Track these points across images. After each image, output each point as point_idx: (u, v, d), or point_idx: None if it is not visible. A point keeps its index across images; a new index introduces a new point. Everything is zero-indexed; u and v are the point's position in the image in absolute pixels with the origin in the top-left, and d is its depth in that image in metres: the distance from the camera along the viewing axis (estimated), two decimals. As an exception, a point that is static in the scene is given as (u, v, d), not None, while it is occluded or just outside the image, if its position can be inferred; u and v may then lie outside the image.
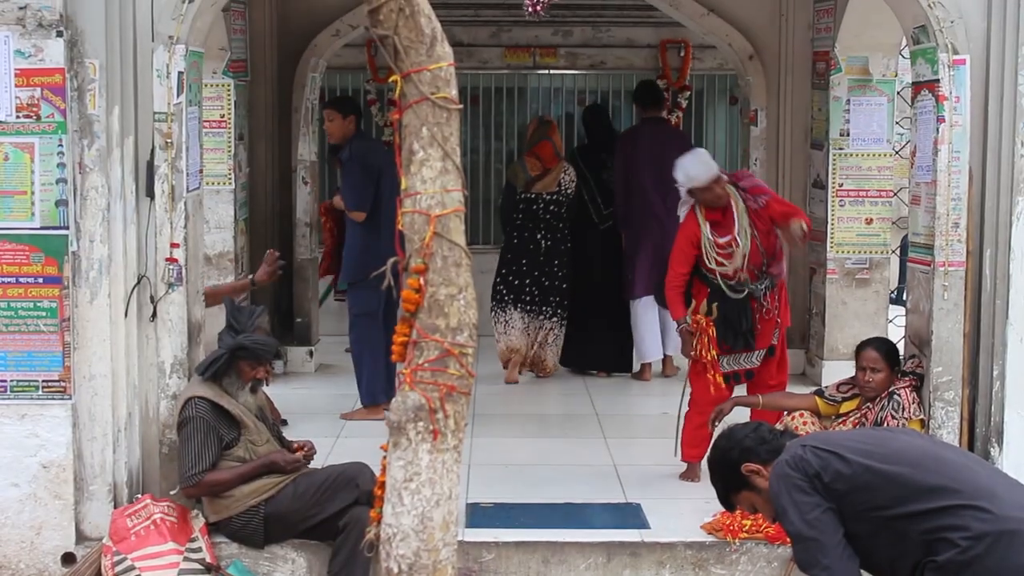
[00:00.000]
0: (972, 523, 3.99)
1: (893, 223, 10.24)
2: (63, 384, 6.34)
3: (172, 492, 6.46)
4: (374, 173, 8.72)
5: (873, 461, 4.17)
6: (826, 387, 7.27)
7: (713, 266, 7.35)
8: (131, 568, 6.14)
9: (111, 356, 6.42)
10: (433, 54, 4.68)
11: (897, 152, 10.07)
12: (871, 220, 9.71)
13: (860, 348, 6.98)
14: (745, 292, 7.38)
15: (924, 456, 4.21)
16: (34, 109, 6.22)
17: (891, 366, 6.85)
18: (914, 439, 4.46)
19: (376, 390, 8.85)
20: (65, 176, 6.25)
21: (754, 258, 7.37)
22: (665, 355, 10.30)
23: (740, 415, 6.87)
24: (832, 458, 4.20)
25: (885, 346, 7.02)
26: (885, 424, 6.62)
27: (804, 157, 10.17)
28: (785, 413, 7.10)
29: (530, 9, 6.85)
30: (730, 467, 4.49)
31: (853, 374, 6.98)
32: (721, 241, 7.34)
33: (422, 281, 4.69)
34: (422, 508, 4.72)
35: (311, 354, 10.47)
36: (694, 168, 7.40)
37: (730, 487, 4.53)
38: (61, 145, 6.24)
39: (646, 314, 10.14)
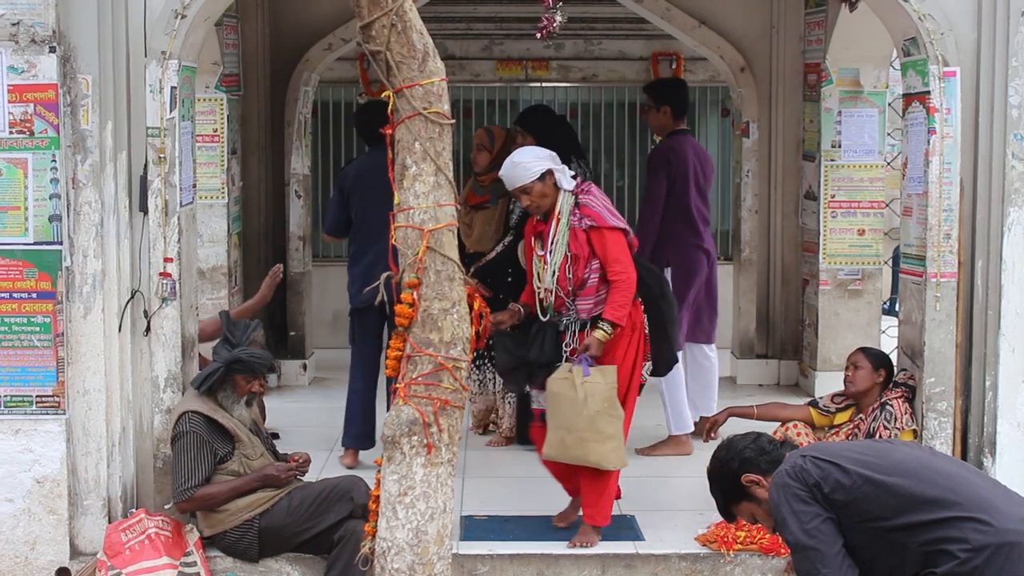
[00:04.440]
0: (971, 535, 4.01)
1: (885, 234, 10.25)
2: (57, 399, 6.35)
3: (166, 506, 6.46)
4: (344, 193, 8.21)
5: (873, 472, 4.18)
6: (820, 398, 7.31)
7: (534, 281, 6.72)
8: (126, 583, 6.15)
9: (105, 371, 6.42)
10: (425, 69, 4.70)
11: (888, 163, 10.10)
12: (863, 231, 9.73)
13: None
14: (549, 319, 6.68)
15: (923, 468, 4.22)
16: (27, 125, 6.22)
17: (874, 366, 6.92)
18: (914, 451, 4.47)
19: (346, 431, 8.16)
20: (58, 191, 6.26)
21: (560, 283, 6.60)
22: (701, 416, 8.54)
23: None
24: (832, 468, 4.21)
25: (873, 350, 7.15)
26: (878, 434, 6.65)
27: (796, 169, 10.19)
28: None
29: (542, 34, 6.83)
30: (730, 478, 4.50)
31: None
32: (540, 253, 6.68)
33: (415, 295, 4.71)
34: (416, 522, 4.74)
35: (305, 367, 10.48)
36: (504, 169, 6.71)
37: (730, 498, 4.54)
38: (54, 160, 6.25)
39: (674, 374, 8.08)
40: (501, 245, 8.36)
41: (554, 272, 6.57)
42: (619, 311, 6.47)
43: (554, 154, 6.77)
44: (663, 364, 6.93)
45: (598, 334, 6.45)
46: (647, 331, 6.74)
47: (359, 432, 8.08)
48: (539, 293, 6.67)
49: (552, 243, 6.58)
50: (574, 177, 6.70)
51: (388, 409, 7.84)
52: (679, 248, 8.53)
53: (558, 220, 6.57)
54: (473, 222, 8.37)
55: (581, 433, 6.44)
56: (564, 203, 6.58)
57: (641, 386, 6.82)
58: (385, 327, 8.05)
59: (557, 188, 6.61)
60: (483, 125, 9.55)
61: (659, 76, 12.42)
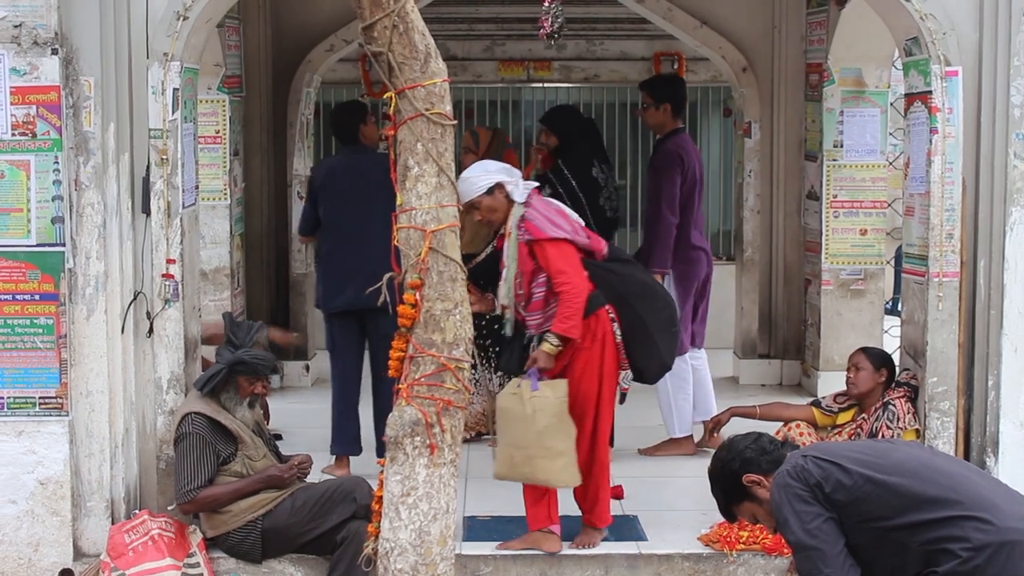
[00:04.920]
0: (973, 534, 4.01)
1: (887, 234, 10.25)
2: (60, 401, 6.35)
3: (170, 508, 6.46)
4: (313, 192, 8.06)
5: (874, 472, 4.18)
6: (823, 398, 7.31)
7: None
8: (129, 584, 6.15)
9: (108, 372, 6.43)
10: (427, 70, 4.71)
11: (891, 163, 10.10)
12: (865, 231, 9.73)
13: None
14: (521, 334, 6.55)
15: (924, 467, 4.22)
16: (30, 127, 6.23)
17: (876, 366, 6.91)
18: (915, 450, 4.48)
19: (335, 439, 8.00)
20: (61, 193, 6.27)
21: (517, 298, 6.49)
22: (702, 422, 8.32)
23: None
24: (833, 468, 4.21)
25: (874, 350, 7.13)
26: (880, 434, 6.65)
27: (798, 169, 10.19)
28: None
29: (542, 34, 6.80)
30: (731, 478, 4.50)
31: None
32: (501, 268, 6.56)
33: (418, 296, 4.72)
34: (419, 522, 4.74)
35: (307, 369, 10.48)
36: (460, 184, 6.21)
37: (731, 498, 4.54)
38: (57, 162, 6.25)
39: (680, 376, 8.17)
40: (491, 247, 8.27)
41: (509, 288, 6.44)
42: (565, 323, 6.24)
43: (507, 167, 6.62)
44: (651, 372, 6.64)
45: (545, 347, 6.26)
46: (622, 338, 6.47)
47: (347, 439, 7.97)
48: (498, 309, 6.55)
49: (506, 258, 6.45)
50: (541, 188, 6.54)
51: (374, 410, 7.90)
52: (685, 249, 8.29)
53: (509, 234, 6.44)
54: (464, 224, 8.25)
55: (529, 450, 6.25)
56: (514, 216, 6.42)
57: (623, 395, 6.65)
58: (367, 333, 7.95)
59: (511, 201, 6.44)
60: (469, 127, 9.53)
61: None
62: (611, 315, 6.45)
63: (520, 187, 6.47)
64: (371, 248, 7.64)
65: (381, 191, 7.79)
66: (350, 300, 7.63)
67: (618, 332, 6.46)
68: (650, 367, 6.59)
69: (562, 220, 6.45)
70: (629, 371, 6.57)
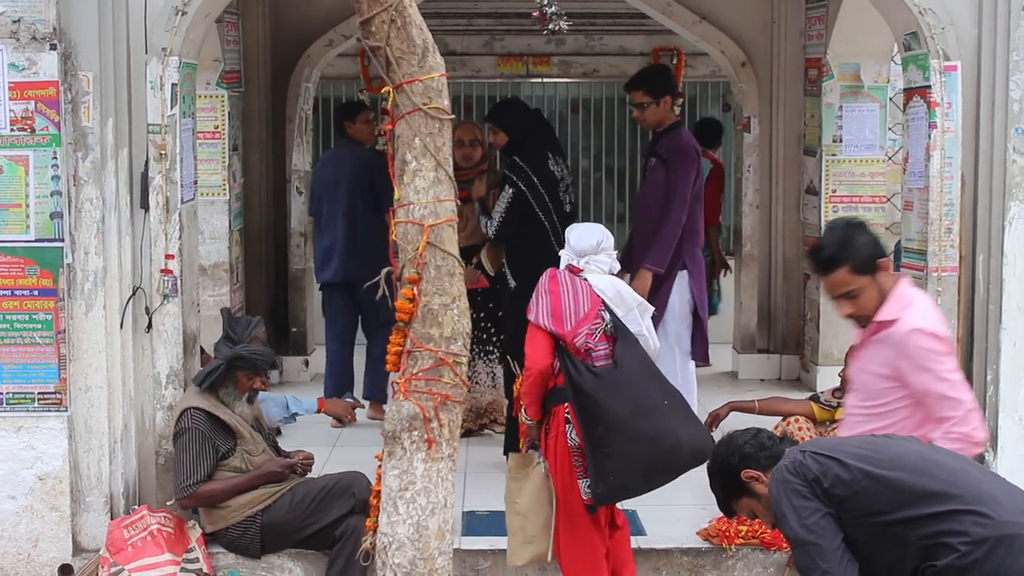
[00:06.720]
0: (972, 528, 4.01)
1: (886, 228, 10.24)
2: (59, 396, 6.35)
3: (169, 503, 6.47)
4: (317, 180, 9.46)
5: (872, 467, 4.18)
6: (822, 392, 7.33)
7: None
8: (128, 579, 6.15)
9: (107, 368, 6.43)
10: (425, 65, 4.70)
11: (890, 158, 10.09)
12: (864, 226, 9.71)
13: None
14: None
15: (923, 461, 4.22)
16: (28, 122, 6.23)
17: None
18: (913, 445, 4.47)
19: (327, 385, 9.21)
20: (60, 189, 6.27)
21: None
22: None
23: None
24: (832, 463, 4.21)
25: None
26: (880, 429, 6.65)
27: (797, 164, 10.19)
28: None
29: (541, 23, 6.76)
30: (730, 473, 4.50)
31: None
32: None
33: (416, 291, 4.71)
34: (417, 517, 4.73)
35: (306, 364, 10.48)
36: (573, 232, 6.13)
37: (730, 493, 4.55)
38: (55, 158, 6.25)
39: (693, 380, 8.03)
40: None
41: None
42: (521, 399, 5.85)
43: (593, 244, 5.97)
44: (595, 493, 5.70)
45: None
46: (585, 447, 5.69)
47: (340, 381, 9.19)
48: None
49: None
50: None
51: (367, 360, 8.89)
52: (694, 250, 7.92)
53: None
54: (467, 216, 8.09)
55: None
56: None
57: (590, 507, 5.82)
58: (358, 302, 9.02)
59: None
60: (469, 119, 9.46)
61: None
62: (566, 414, 5.78)
63: (569, 258, 5.96)
64: (348, 229, 9.00)
65: (356, 182, 9.05)
66: (335, 273, 9.02)
67: (573, 435, 5.76)
68: (594, 486, 5.70)
69: (543, 300, 5.79)
70: (588, 479, 5.76)
